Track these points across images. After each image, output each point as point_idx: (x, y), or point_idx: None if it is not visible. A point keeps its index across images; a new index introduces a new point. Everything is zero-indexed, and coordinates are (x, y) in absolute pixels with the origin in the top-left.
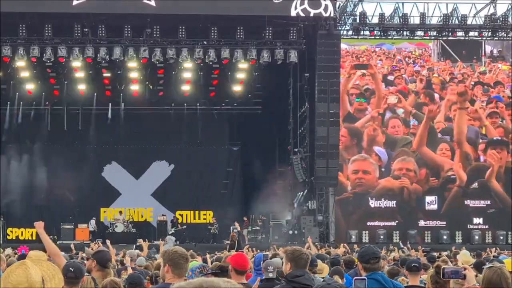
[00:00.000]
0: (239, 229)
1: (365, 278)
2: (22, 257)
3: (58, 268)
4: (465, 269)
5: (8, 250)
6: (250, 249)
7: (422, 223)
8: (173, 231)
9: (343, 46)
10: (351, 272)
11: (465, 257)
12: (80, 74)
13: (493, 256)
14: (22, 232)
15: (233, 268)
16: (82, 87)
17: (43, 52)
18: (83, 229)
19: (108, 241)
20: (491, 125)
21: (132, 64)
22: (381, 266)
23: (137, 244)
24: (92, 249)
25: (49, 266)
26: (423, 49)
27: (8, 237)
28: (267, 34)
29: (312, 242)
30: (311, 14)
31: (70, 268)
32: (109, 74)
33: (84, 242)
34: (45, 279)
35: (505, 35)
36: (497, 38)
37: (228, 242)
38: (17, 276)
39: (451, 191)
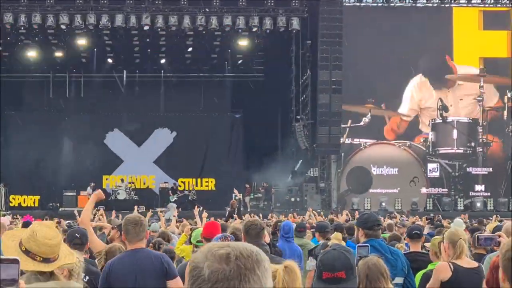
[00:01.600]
0: (239, 196)
1: (368, 245)
2: (27, 224)
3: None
4: (499, 236)
5: (6, 218)
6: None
7: (424, 190)
8: (175, 198)
9: None
10: (353, 238)
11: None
12: (82, 42)
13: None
14: (24, 199)
15: (203, 237)
16: (84, 54)
17: (45, 19)
18: (85, 196)
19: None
20: None
21: (134, 31)
22: (381, 233)
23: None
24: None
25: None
26: None
27: (10, 204)
28: (269, 1)
29: (314, 210)
30: None
31: (76, 234)
32: (110, 42)
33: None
34: (60, 258)
35: (507, 2)
36: (500, 5)
37: (229, 209)
38: (46, 232)
39: None
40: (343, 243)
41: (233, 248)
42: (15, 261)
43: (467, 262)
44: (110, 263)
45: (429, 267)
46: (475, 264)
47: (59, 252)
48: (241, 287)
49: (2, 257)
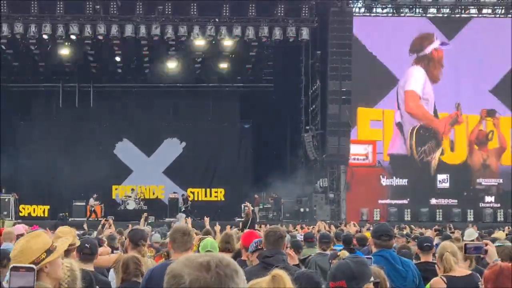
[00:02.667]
0: (250, 207)
1: (371, 257)
2: None
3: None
4: (486, 244)
5: (9, 223)
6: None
7: (433, 201)
8: (183, 208)
9: None
10: (364, 249)
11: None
12: (91, 52)
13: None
14: (34, 209)
15: (244, 246)
16: (93, 64)
17: (55, 29)
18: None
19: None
20: None
21: (144, 41)
22: (392, 244)
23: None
24: (103, 226)
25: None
26: None
27: (20, 214)
28: (279, 11)
29: (323, 220)
30: None
31: (86, 245)
32: (120, 52)
33: (95, 219)
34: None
35: None
36: (510, 16)
37: (241, 220)
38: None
39: None
40: None
41: (212, 256)
42: (31, 269)
43: (459, 271)
44: (152, 269)
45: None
46: (467, 272)
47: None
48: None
49: (18, 265)
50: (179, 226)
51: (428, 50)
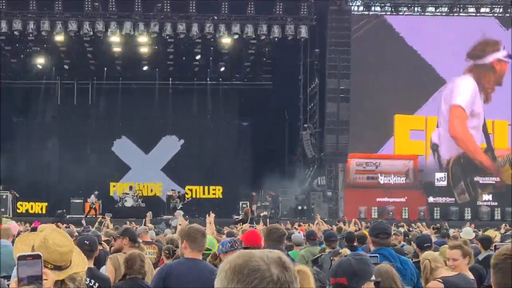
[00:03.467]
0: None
1: (377, 255)
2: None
3: (69, 237)
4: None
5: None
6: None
7: (431, 199)
8: (181, 206)
9: None
10: (364, 247)
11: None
12: (90, 49)
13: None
14: (32, 206)
15: (245, 246)
16: (92, 61)
17: (53, 26)
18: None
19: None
20: None
21: (143, 39)
22: (390, 242)
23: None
24: (100, 223)
25: (60, 235)
26: None
27: (18, 211)
28: (277, 9)
29: (321, 218)
30: None
31: (85, 241)
32: (119, 49)
33: (93, 216)
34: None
35: None
36: (508, 15)
37: (238, 217)
38: (57, 239)
39: None
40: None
41: (278, 253)
42: (38, 257)
43: (446, 273)
44: (169, 265)
45: None
46: (455, 272)
47: (72, 259)
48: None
49: (24, 254)
50: (198, 227)
51: (490, 59)
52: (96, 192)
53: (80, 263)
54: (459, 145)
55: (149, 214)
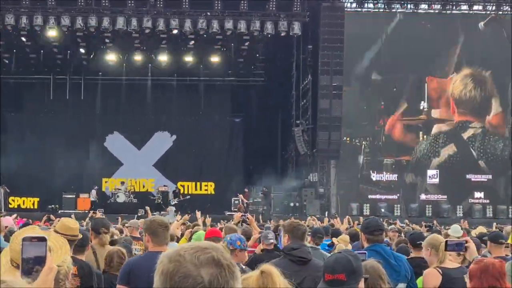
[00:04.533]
0: (246, 200)
1: (365, 252)
2: (26, 226)
3: (65, 240)
4: (466, 241)
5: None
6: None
7: (423, 196)
8: (175, 202)
9: None
10: (355, 244)
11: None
12: (83, 44)
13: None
14: (24, 201)
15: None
16: (84, 56)
17: (46, 21)
18: (84, 199)
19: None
20: None
21: (135, 34)
22: (383, 238)
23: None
24: (90, 218)
25: (57, 238)
26: None
27: (10, 206)
28: (270, 5)
29: (313, 215)
30: None
31: None
32: (111, 44)
33: (86, 211)
34: (52, 250)
35: (509, 9)
36: (501, 13)
37: (230, 213)
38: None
39: None
40: (350, 246)
41: (211, 249)
42: (43, 239)
43: (450, 264)
44: (131, 261)
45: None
46: (457, 264)
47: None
48: (234, 286)
49: (30, 235)
50: (160, 219)
51: None
52: (96, 187)
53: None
54: None
55: (148, 209)
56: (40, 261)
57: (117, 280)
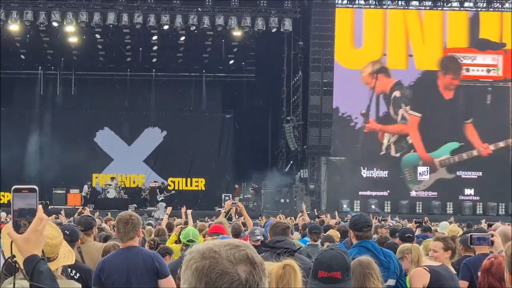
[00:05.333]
0: (235, 201)
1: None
2: None
3: (59, 230)
4: (492, 235)
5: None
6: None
7: (413, 193)
8: (162, 198)
9: None
10: (344, 241)
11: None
12: (73, 39)
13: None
14: None
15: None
16: (75, 52)
17: (36, 16)
18: (75, 194)
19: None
20: None
21: (126, 29)
22: (372, 234)
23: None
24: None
25: (52, 228)
26: None
27: (0, 201)
28: (262, 2)
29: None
30: None
31: (66, 231)
32: (102, 40)
33: (76, 207)
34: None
35: (500, 6)
36: (492, 10)
37: (221, 209)
38: (49, 232)
39: None
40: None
41: (245, 247)
42: (33, 190)
43: (431, 262)
44: (102, 260)
45: None
46: (438, 263)
47: (59, 252)
48: (264, 286)
49: (20, 186)
50: (122, 215)
51: None
52: (89, 182)
53: (67, 255)
54: None
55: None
56: (31, 212)
57: (92, 279)
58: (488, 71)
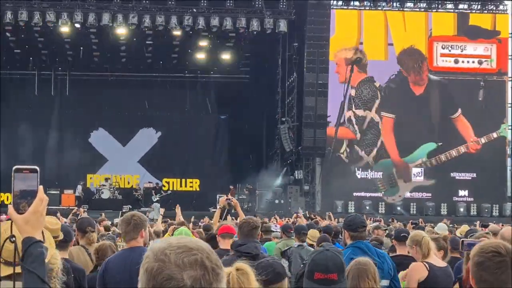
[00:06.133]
0: (229, 197)
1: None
2: None
3: (49, 232)
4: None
5: None
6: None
7: (407, 194)
8: (157, 198)
9: None
10: (339, 240)
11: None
12: (68, 40)
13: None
14: (7, 196)
15: (220, 234)
16: (69, 52)
17: (31, 16)
18: (69, 195)
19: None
20: None
21: (121, 30)
22: (366, 235)
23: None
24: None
25: (50, 217)
26: None
27: None
28: (257, 3)
29: (298, 213)
30: None
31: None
32: (97, 40)
33: (70, 207)
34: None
35: (494, 8)
36: (486, 12)
37: (215, 210)
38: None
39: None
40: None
41: (199, 250)
42: (34, 171)
43: (436, 261)
44: (106, 261)
45: None
46: (444, 263)
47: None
48: (218, 287)
49: (21, 166)
50: (126, 216)
51: None
52: (82, 182)
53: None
54: None
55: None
56: (32, 193)
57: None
58: (480, 62)
